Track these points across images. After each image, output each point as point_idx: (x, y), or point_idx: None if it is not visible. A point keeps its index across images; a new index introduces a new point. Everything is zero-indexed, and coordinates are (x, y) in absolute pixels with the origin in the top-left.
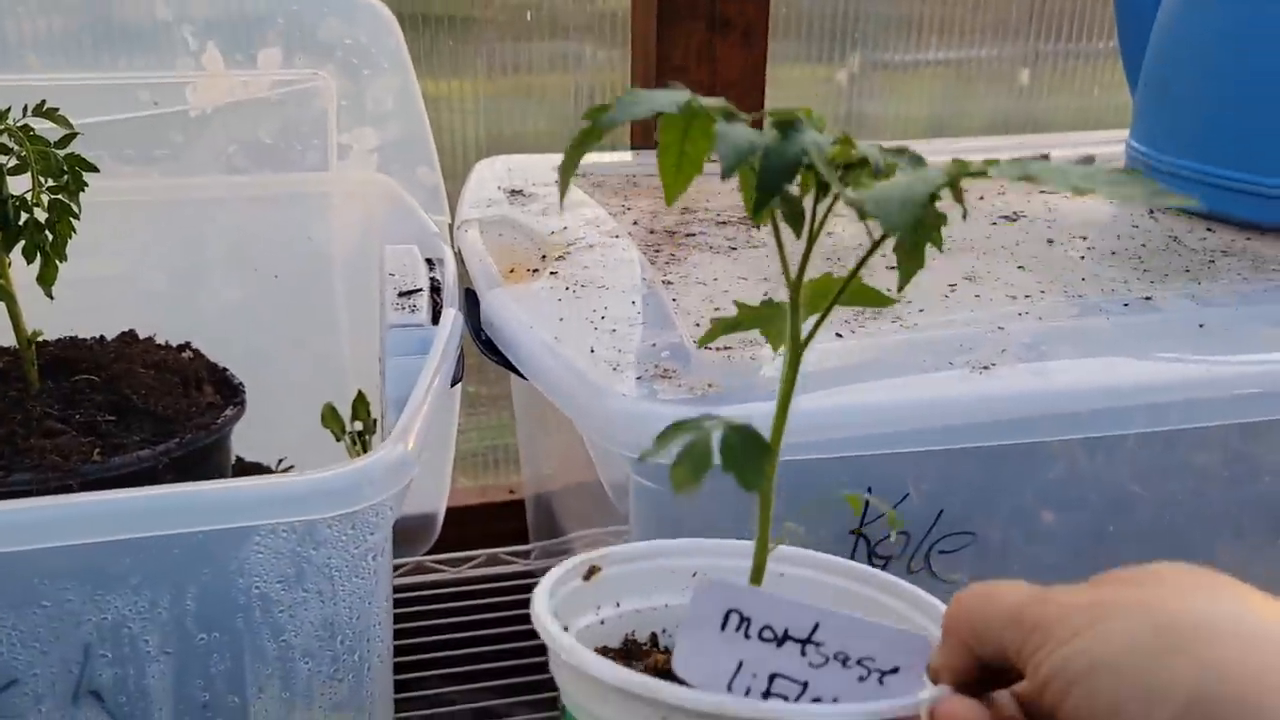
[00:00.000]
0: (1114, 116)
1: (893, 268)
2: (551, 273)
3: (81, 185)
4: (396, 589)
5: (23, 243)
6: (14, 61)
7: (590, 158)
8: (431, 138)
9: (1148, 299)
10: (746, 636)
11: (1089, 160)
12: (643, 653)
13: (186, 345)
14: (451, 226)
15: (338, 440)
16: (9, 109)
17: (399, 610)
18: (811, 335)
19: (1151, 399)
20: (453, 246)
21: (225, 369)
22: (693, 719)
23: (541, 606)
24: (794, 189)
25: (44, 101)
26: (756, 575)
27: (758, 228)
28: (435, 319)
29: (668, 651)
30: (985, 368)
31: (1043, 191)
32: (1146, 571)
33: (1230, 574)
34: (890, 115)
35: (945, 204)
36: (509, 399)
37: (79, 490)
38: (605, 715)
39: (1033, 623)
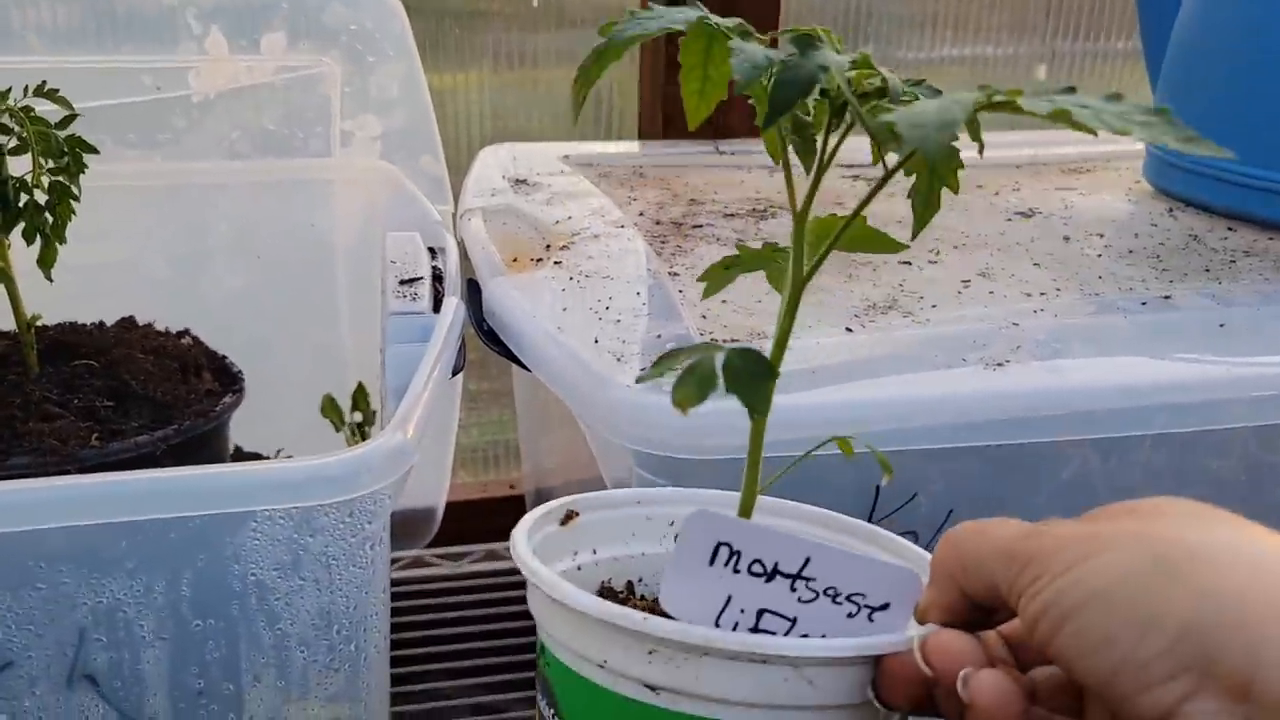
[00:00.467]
0: None
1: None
2: (556, 262)
3: (82, 167)
4: (395, 582)
5: (22, 225)
6: (16, 44)
7: (596, 148)
8: (436, 127)
9: (1166, 298)
10: (735, 571)
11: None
12: (619, 600)
13: (185, 332)
14: (455, 216)
15: (337, 431)
16: (9, 89)
17: (397, 604)
18: (812, 272)
19: (1170, 399)
20: (455, 236)
21: (224, 356)
22: (679, 652)
23: (521, 543)
24: (807, 116)
25: (44, 82)
26: (745, 509)
27: (766, 218)
28: (437, 307)
29: (644, 599)
30: (999, 365)
31: (1059, 189)
32: (1144, 504)
33: None
34: None
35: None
36: (510, 395)
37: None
38: (589, 652)
39: (1026, 557)
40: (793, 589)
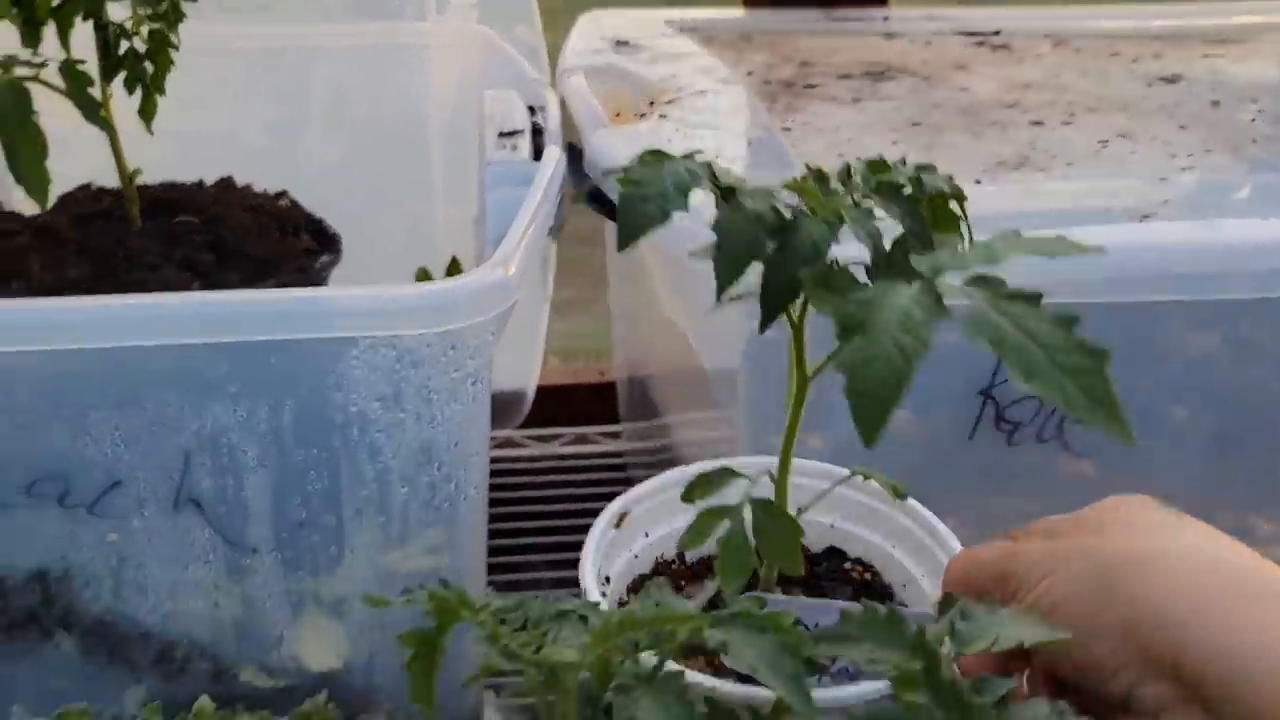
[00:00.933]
0: None
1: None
2: (661, 116)
3: (180, 16)
4: None
5: (124, 74)
6: None
7: (700, 12)
8: None
9: None
10: None
11: None
12: (672, 570)
13: (283, 193)
14: (552, 84)
15: None
16: None
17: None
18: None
19: None
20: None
21: (321, 219)
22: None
23: (589, 575)
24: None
25: None
26: (782, 482)
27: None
28: (538, 158)
29: (692, 565)
30: (1145, 217)
31: (1205, 55)
32: (1114, 513)
33: None
34: None
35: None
36: (595, 304)
37: None
38: None
39: (1008, 575)
40: None
